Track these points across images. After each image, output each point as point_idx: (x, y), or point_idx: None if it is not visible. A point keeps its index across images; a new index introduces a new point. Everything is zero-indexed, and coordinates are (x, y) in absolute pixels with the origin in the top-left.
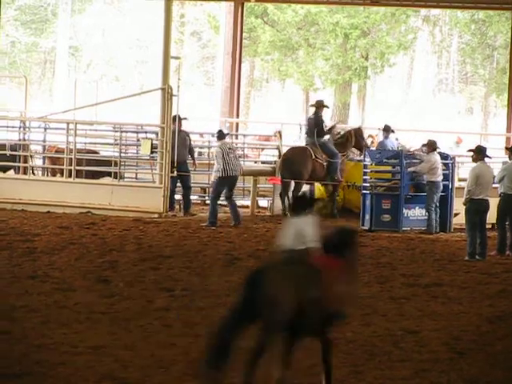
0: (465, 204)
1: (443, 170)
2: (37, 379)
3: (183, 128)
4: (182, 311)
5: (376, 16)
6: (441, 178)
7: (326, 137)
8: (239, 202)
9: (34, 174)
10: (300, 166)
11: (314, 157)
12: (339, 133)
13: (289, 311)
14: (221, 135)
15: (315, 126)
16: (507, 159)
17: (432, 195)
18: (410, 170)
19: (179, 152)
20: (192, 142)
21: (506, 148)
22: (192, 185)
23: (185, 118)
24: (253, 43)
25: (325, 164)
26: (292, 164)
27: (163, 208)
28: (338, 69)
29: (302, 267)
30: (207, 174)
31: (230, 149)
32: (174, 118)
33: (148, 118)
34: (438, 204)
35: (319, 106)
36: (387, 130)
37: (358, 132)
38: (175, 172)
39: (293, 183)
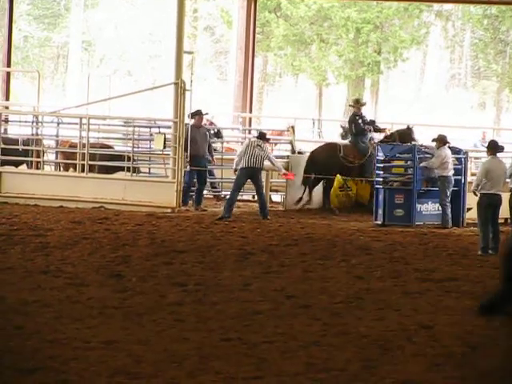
0: (474, 193)
1: (456, 164)
2: (49, 374)
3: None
4: (195, 306)
5: (389, 11)
6: (452, 172)
7: (375, 134)
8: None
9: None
10: (324, 162)
11: (342, 154)
12: (379, 130)
13: None
14: (260, 136)
15: (348, 124)
16: None
17: (445, 190)
18: (421, 164)
19: (200, 146)
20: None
21: None
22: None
23: (206, 114)
24: (266, 38)
25: (356, 162)
26: (317, 160)
27: (176, 203)
28: (350, 64)
29: None
30: (220, 169)
31: (258, 145)
32: (195, 112)
33: (161, 113)
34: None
35: (353, 104)
36: (370, 123)
37: (405, 132)
38: (188, 167)
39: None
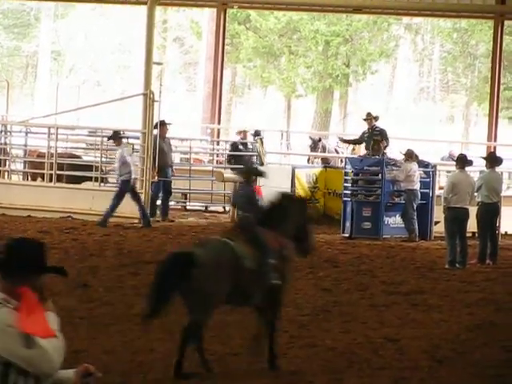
0: (444, 212)
1: (424, 178)
2: None
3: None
4: (162, 317)
5: (358, 24)
6: (418, 185)
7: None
8: (220, 208)
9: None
10: None
11: None
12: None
13: None
14: (116, 136)
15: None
16: (485, 168)
17: (411, 203)
18: (387, 177)
19: (167, 157)
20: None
21: (482, 157)
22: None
23: (169, 124)
24: (235, 49)
25: None
26: None
27: None
28: (319, 76)
29: None
30: (188, 180)
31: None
32: (159, 123)
33: (130, 124)
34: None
35: (365, 117)
36: (258, 134)
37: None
38: (156, 177)
39: None
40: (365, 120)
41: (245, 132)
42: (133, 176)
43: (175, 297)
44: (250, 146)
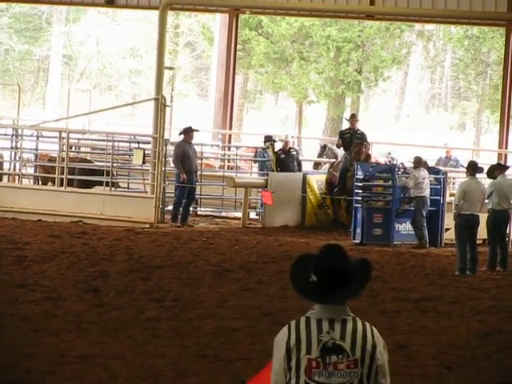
0: (454, 219)
1: (435, 184)
2: None
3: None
4: (172, 322)
5: (370, 30)
6: (427, 192)
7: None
8: (231, 214)
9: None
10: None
11: (331, 169)
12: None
13: None
14: None
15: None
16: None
17: (421, 210)
18: (397, 184)
19: (193, 162)
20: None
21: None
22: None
23: (196, 130)
24: (247, 55)
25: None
26: None
27: (154, 218)
28: (331, 82)
29: None
30: (199, 185)
31: None
32: (187, 129)
33: (141, 128)
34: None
35: (348, 119)
36: (269, 140)
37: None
38: (166, 182)
39: None
40: (348, 120)
41: (286, 141)
42: None
43: None
44: (293, 153)
